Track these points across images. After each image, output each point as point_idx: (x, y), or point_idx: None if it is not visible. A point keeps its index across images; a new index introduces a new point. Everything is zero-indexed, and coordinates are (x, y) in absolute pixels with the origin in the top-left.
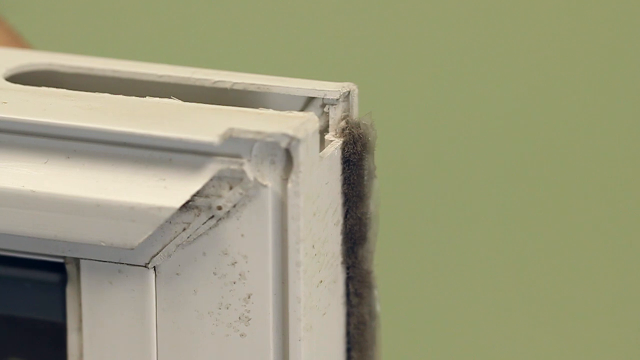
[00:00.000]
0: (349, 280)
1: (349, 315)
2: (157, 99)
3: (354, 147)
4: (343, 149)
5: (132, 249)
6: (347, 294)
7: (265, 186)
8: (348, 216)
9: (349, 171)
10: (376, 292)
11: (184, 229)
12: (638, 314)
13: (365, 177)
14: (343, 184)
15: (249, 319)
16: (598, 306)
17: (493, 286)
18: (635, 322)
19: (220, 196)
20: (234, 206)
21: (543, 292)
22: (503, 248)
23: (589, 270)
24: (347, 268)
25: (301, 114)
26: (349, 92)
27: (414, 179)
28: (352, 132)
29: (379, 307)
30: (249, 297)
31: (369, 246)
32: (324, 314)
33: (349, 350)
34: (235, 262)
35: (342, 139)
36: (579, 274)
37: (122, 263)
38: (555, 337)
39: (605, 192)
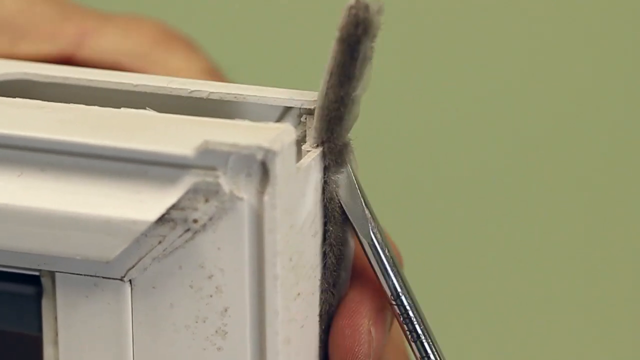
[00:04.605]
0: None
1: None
2: (132, 110)
3: (355, 29)
4: (322, 156)
5: (108, 262)
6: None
7: (241, 199)
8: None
9: (345, 55)
10: None
11: (160, 242)
12: (638, 314)
13: (359, 62)
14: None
15: (226, 333)
16: (598, 306)
17: (491, 289)
18: (636, 322)
19: (196, 209)
20: (210, 219)
21: (541, 296)
22: (501, 250)
23: (587, 270)
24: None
25: (277, 125)
26: None
27: (410, 184)
28: (358, 14)
29: None
30: (225, 311)
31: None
32: (302, 326)
33: None
34: (212, 276)
35: (319, 149)
36: (576, 275)
37: (98, 276)
38: (554, 336)
39: (605, 192)
